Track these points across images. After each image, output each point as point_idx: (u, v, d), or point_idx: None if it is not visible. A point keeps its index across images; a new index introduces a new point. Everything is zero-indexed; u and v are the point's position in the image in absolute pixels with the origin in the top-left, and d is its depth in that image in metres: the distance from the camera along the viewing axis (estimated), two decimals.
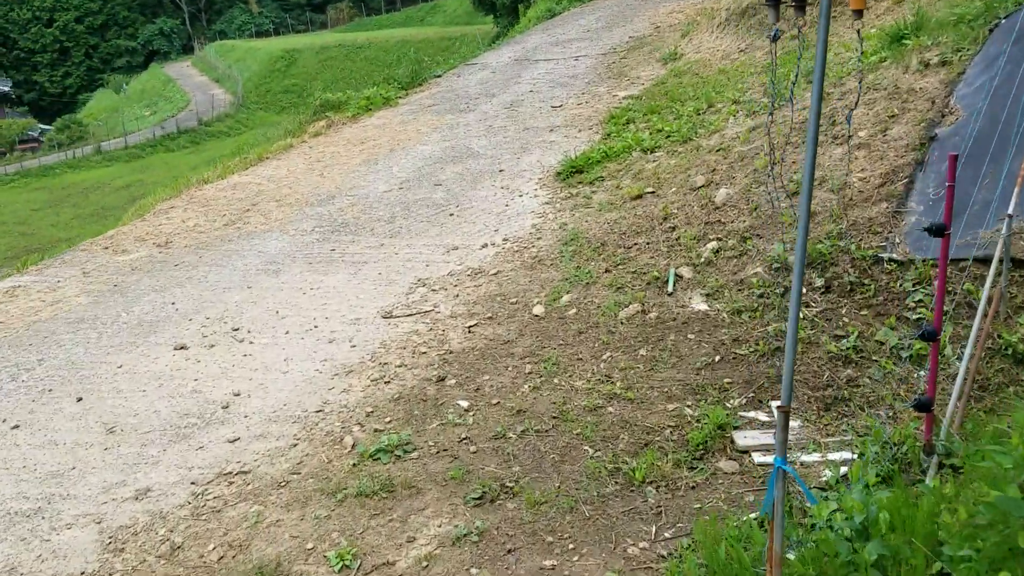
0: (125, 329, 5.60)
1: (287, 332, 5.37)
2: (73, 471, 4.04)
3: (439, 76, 14.06)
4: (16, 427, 4.46)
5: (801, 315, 4.08)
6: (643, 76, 11.69)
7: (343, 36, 64.22)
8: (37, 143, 62.33)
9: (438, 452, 3.87)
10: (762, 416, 3.89)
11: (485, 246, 6.56)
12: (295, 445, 4.06)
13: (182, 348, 5.23)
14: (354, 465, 3.81)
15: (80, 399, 4.68)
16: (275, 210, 8.03)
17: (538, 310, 5.26)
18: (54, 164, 52.13)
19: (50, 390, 4.82)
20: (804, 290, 4.48)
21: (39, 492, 3.89)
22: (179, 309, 5.89)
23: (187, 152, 50.51)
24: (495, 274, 6.01)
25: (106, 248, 7.43)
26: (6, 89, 73.29)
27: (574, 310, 5.17)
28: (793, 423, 3.71)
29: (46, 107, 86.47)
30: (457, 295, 5.72)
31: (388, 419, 4.20)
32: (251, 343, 5.25)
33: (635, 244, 5.92)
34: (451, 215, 7.39)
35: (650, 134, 8.22)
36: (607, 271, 5.63)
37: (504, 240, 6.62)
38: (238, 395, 4.58)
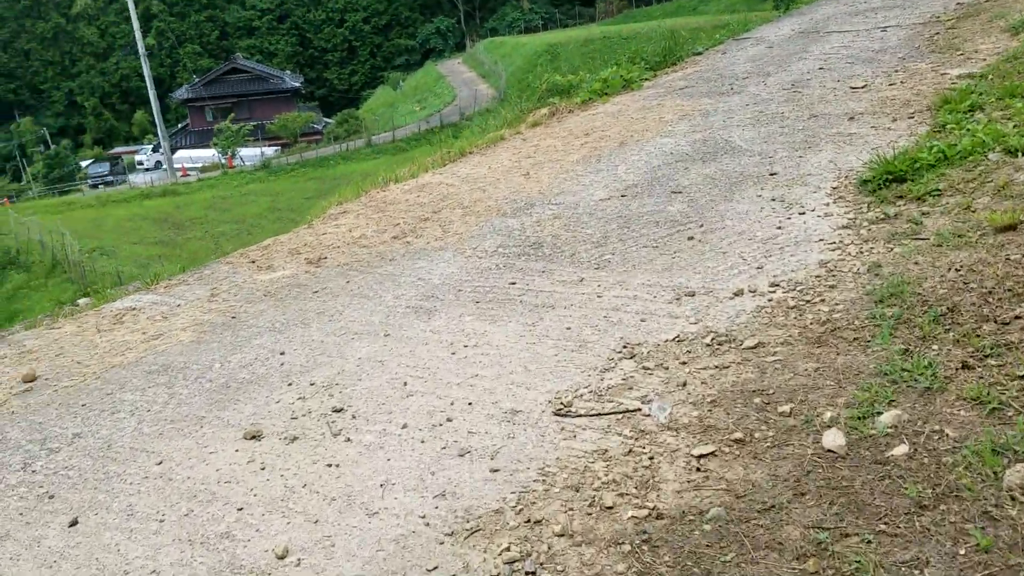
0: (204, 392, 4.04)
1: (405, 425, 3.48)
2: None
3: (699, 54, 11.69)
4: None
5: None
6: (983, 49, 8.57)
7: (608, 28, 63.51)
8: (319, 135, 68.07)
9: None
10: None
11: (740, 294, 4.26)
12: None
13: (254, 438, 3.53)
14: None
15: (75, 523, 3.11)
16: (457, 220, 6.26)
17: (833, 438, 2.89)
18: (330, 156, 56.27)
19: (51, 497, 3.31)
20: None
21: None
22: (285, 363, 4.24)
23: (445, 146, 52.32)
24: (754, 348, 3.70)
25: (253, 262, 6.08)
26: (297, 85, 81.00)
27: (905, 448, 2.75)
28: None
29: (333, 102, 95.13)
30: (684, 383, 3.50)
31: None
32: (348, 439, 3.42)
33: (1017, 316, 3.32)
34: (690, 239, 5.14)
35: (1017, 127, 5.36)
36: (966, 366, 3.12)
37: (773, 286, 4.28)
38: (284, 558, 2.74)
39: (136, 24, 51.17)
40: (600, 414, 3.38)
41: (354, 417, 3.61)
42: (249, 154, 56.96)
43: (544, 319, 4.37)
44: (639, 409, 3.38)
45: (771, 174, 6.06)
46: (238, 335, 4.70)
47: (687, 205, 5.72)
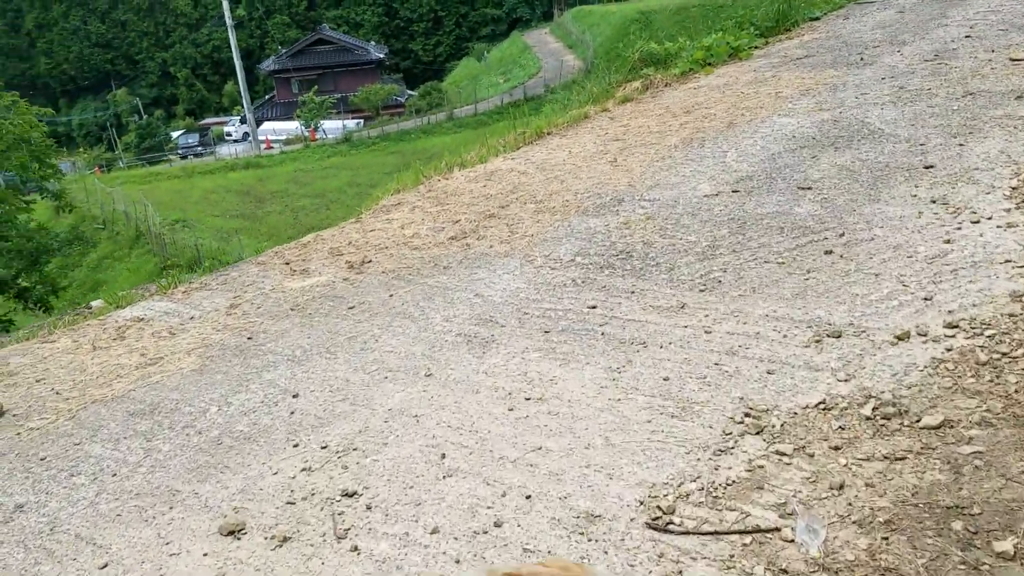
0: (188, 450, 3.16)
1: (435, 530, 2.51)
2: None
3: (816, 19, 10.26)
4: None
5: None
6: None
7: None
8: (401, 108, 67.87)
9: None
10: None
11: (905, 337, 3.14)
12: None
13: (232, 534, 2.62)
14: None
15: None
16: (528, 218, 5.23)
17: None
18: (411, 129, 55.91)
19: None
20: None
21: None
22: (296, 412, 3.32)
23: (519, 125, 51.26)
24: (938, 428, 2.62)
25: (288, 263, 5.21)
26: (382, 56, 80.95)
27: None
28: None
29: (418, 74, 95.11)
30: (842, 484, 2.44)
31: None
32: (355, 548, 2.48)
33: None
34: (828, 253, 3.99)
35: None
36: None
37: (950, 327, 3.15)
38: None
39: None
40: (717, 533, 2.33)
41: (369, 508, 2.65)
42: (331, 126, 57.13)
43: (633, 362, 3.33)
44: (777, 529, 2.31)
45: (926, 167, 4.81)
46: (248, 365, 3.82)
47: (820, 206, 4.54)
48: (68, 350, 4.28)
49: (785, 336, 3.35)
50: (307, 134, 56.01)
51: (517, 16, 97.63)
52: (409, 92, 77.77)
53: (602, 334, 3.61)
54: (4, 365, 4.19)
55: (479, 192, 5.92)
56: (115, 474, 3.04)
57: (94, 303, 5.37)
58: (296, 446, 3.08)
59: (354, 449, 2.99)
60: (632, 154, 6.12)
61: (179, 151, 70.58)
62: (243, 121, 68.80)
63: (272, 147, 54.60)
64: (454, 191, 6.06)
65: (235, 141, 69.72)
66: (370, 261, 5.00)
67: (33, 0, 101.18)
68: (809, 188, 4.82)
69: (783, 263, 3.98)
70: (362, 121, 61.02)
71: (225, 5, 52.47)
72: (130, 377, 3.85)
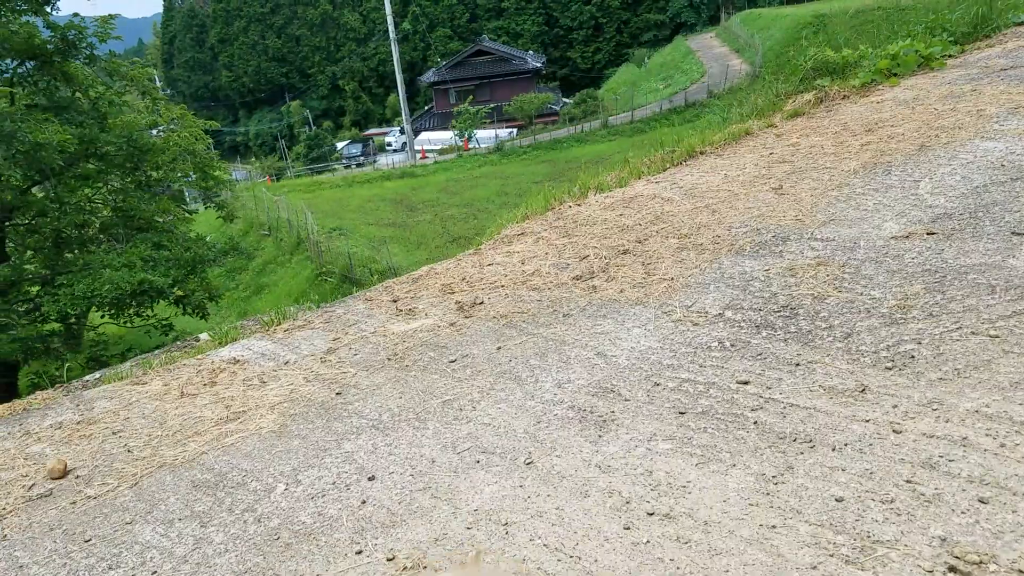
0: (239, 545, 2.66)
1: None
2: None
3: (1022, 23, 8.85)
4: None
5: None
6: None
7: None
8: (555, 116, 67.93)
9: None
10: None
11: None
12: None
13: None
14: None
15: None
16: (668, 257, 4.48)
17: None
18: (564, 138, 55.72)
19: None
20: None
21: None
22: (368, 502, 2.76)
23: (688, 126, 49.87)
24: None
25: (395, 301, 4.72)
26: (539, 65, 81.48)
27: None
28: None
29: (575, 82, 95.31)
30: None
31: None
32: None
33: None
34: None
35: None
36: None
37: None
38: None
39: (388, 9, 53.42)
40: None
41: None
42: (485, 136, 57.86)
43: (795, 469, 2.54)
44: None
45: None
46: (330, 429, 3.30)
47: None
48: (156, 395, 3.95)
49: (1003, 445, 2.46)
50: (460, 144, 56.99)
51: (681, 21, 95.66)
52: (565, 100, 77.78)
53: (755, 423, 2.83)
54: (88, 410, 3.90)
55: (614, 222, 5.21)
56: (155, 573, 2.57)
57: (201, 336, 5.11)
58: (359, 553, 2.50)
59: (424, 567, 2.38)
60: (801, 180, 5.23)
61: (343, 161, 73.80)
62: (403, 132, 71.09)
63: (427, 157, 55.94)
64: (585, 220, 5.39)
65: (394, 151, 72.16)
66: (482, 302, 4.41)
67: (216, 16, 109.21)
68: None
69: (996, 336, 3.04)
70: (515, 130, 61.44)
71: (389, 20, 54.26)
72: (207, 435, 3.43)
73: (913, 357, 3.03)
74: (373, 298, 4.82)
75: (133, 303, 15.31)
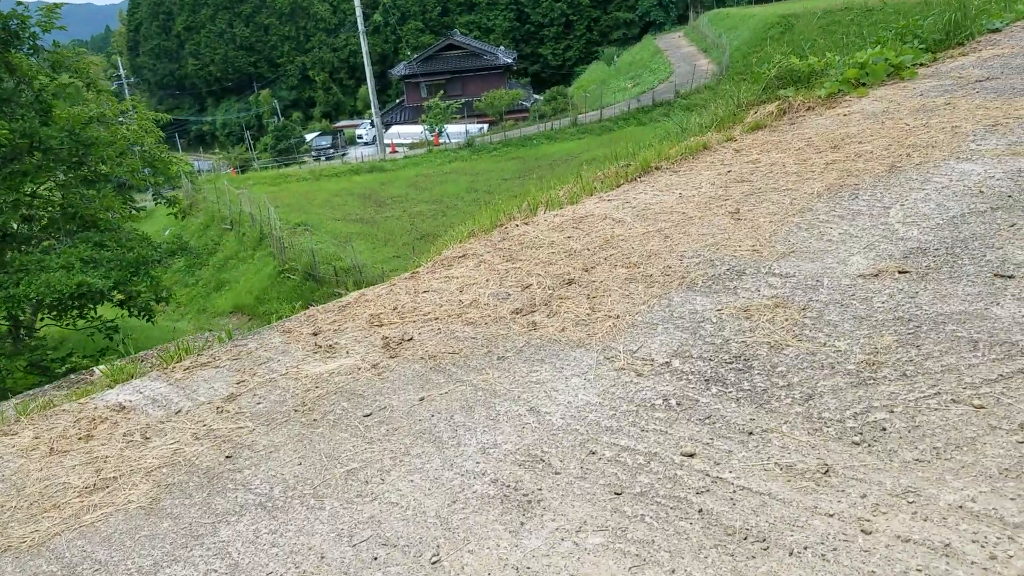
0: None
1: None
2: None
3: (997, 30, 8.54)
4: None
5: None
6: None
7: None
8: (525, 113, 67.48)
9: None
10: None
11: None
12: None
13: None
14: None
15: None
16: (615, 289, 4.04)
17: None
18: (533, 135, 55.31)
19: None
20: None
21: None
22: None
23: (655, 126, 49.61)
24: None
25: (315, 334, 4.24)
26: (510, 61, 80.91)
27: None
28: None
29: (546, 79, 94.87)
30: None
31: None
32: None
33: None
34: None
35: None
36: None
37: None
38: None
39: (357, 1, 52.53)
40: None
41: None
42: (455, 131, 57.27)
43: None
44: None
45: None
46: (210, 506, 2.81)
47: None
48: (23, 450, 3.43)
49: (993, 557, 2.05)
50: (431, 139, 56.34)
51: (650, 20, 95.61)
52: (535, 96, 77.32)
53: (699, 511, 2.40)
54: None
55: (561, 245, 4.77)
56: None
57: (96, 370, 4.59)
58: None
59: None
60: (760, 203, 4.81)
61: (312, 152, 72.69)
62: (373, 125, 70.36)
63: (397, 151, 55.22)
64: (531, 241, 4.93)
65: (365, 144, 71.20)
66: (411, 338, 3.94)
67: (183, 3, 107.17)
68: (1011, 276, 3.42)
69: (981, 407, 2.64)
70: (486, 126, 60.92)
71: (358, 11, 53.42)
72: (68, 509, 2.93)
73: (884, 429, 2.62)
74: (292, 329, 4.33)
75: (75, 305, 14.61)
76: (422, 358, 3.72)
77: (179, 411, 3.57)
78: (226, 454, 3.13)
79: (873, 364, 2.99)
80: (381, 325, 4.18)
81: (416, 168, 48.54)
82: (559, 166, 42.84)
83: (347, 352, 3.92)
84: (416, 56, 79.39)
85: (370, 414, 3.29)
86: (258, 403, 3.53)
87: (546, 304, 4.05)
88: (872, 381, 2.89)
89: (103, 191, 16.09)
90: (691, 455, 2.68)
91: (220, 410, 3.51)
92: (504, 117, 64.19)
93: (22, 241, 15.23)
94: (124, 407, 3.68)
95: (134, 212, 18.07)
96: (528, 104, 69.73)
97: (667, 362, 3.30)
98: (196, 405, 3.60)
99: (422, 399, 3.35)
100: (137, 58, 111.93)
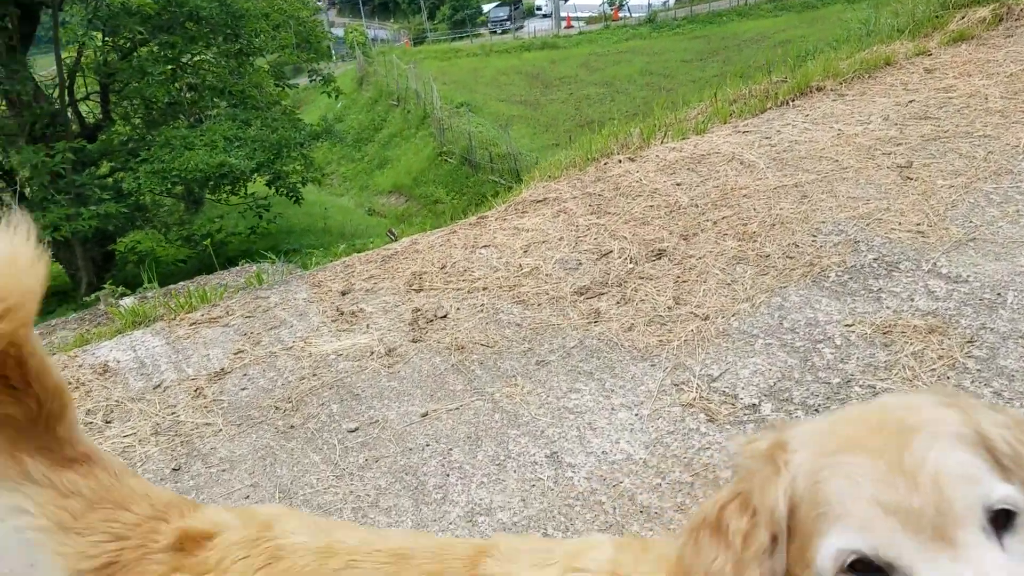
0: None
1: None
2: None
3: None
4: None
5: None
6: None
7: None
8: None
9: None
10: None
11: None
12: None
13: None
14: None
15: None
16: (715, 272, 3.09)
17: None
18: (724, 10, 51.27)
19: None
20: None
21: None
22: None
23: (865, 4, 44.48)
24: None
25: (344, 294, 3.60)
26: None
27: None
28: None
29: None
30: None
31: None
32: None
33: None
34: None
35: None
36: None
37: None
38: None
39: None
40: None
41: None
42: (637, 3, 54.02)
43: None
44: None
45: None
46: None
47: None
48: None
49: None
50: (610, 13, 53.58)
51: None
52: None
53: None
54: None
55: (664, 196, 3.80)
56: None
57: (124, 300, 4.21)
58: None
59: None
60: (943, 155, 3.60)
61: (488, 25, 71.42)
62: None
63: (572, 26, 53.05)
64: (629, 187, 3.98)
65: (544, 16, 69.01)
66: (445, 315, 3.22)
67: None
68: None
69: None
70: None
71: None
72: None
73: None
74: (322, 282, 3.71)
75: (223, 183, 14.90)
76: (447, 348, 2.99)
77: (158, 385, 3.06)
78: (174, 466, 2.59)
79: None
80: (420, 290, 3.47)
81: (590, 46, 46.39)
82: (747, 47, 39.48)
83: (367, 326, 3.25)
84: None
85: (356, 429, 2.64)
86: (242, 389, 2.96)
87: (621, 284, 3.17)
88: None
89: (254, 66, 16.09)
90: None
91: (199, 393, 2.97)
92: None
93: (172, 116, 15.59)
94: (108, 369, 3.22)
95: (285, 88, 18.02)
96: None
97: (755, 404, 2.40)
98: (180, 380, 3.08)
99: (425, 415, 2.65)
100: None
